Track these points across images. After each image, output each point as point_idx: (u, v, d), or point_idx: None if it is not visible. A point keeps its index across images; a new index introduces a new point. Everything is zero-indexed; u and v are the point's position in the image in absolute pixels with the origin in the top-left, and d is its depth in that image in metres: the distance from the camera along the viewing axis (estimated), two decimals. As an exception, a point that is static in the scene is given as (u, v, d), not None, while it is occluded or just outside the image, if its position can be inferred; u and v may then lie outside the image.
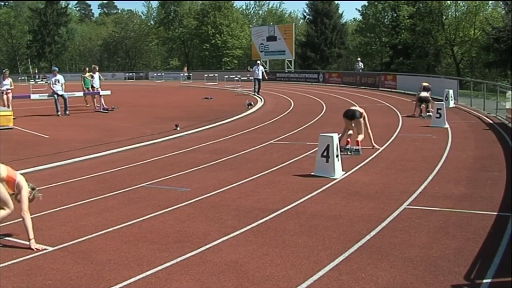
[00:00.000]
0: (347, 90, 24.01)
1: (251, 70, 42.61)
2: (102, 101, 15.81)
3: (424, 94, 12.62)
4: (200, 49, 52.69)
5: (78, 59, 63.89)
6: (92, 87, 16.46)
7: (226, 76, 33.54)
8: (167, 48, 57.82)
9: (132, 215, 4.88)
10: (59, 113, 14.35)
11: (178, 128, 11.14)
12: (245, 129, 11.25)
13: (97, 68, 16.77)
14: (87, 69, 17.31)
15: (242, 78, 29.73)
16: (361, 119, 8.02)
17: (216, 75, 35.49)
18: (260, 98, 19.74)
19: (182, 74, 41.05)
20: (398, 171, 6.59)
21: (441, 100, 14.32)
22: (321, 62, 42.16)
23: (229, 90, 25.98)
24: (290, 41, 36.25)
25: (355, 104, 15.88)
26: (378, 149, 8.14)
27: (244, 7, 58.32)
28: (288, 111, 15.11)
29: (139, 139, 9.85)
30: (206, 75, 35.32)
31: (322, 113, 14.36)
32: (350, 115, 8.04)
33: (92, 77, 16.52)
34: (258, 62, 23.37)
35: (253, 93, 21.63)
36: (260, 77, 22.09)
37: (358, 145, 7.78)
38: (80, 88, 17.04)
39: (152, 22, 59.86)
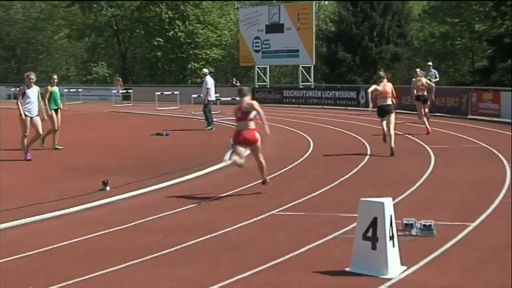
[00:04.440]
0: (410, 118, 24.34)
1: (237, 84, 43.04)
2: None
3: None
4: (148, 46, 53.49)
5: None
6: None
7: (195, 95, 33.80)
8: (87, 44, 58.65)
9: None
10: None
11: (108, 188, 11.23)
12: (229, 189, 11.36)
13: (30, 76, 16.62)
14: (54, 77, 18.04)
15: (223, 98, 30.24)
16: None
17: (176, 93, 35.83)
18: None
19: (115, 92, 41.50)
20: (502, 267, 6.67)
21: None
22: (362, 69, 42.62)
23: (199, 119, 26.15)
24: (307, 32, 37.09)
25: (427, 149, 16.27)
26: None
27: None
28: (304, 156, 15.26)
29: (35, 208, 9.90)
30: (158, 93, 35.72)
31: (365, 160, 14.58)
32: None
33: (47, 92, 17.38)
34: (206, 70, 24.25)
35: (208, 127, 22.71)
36: (213, 97, 23.31)
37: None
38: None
39: (57, -2, 60.45)
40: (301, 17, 37.19)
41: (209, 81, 23.19)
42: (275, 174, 12.98)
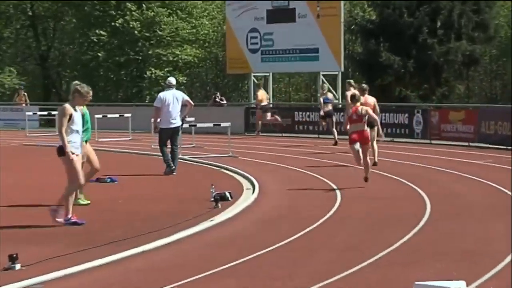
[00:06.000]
0: (488, 156, 24.28)
1: (222, 101, 43.10)
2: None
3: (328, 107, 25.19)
4: (83, 43, 53.83)
5: None
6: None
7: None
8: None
9: None
10: None
11: (18, 267, 11.16)
12: (210, 267, 11.28)
13: (89, 94, 15.88)
14: (90, 91, 17.29)
15: (200, 125, 30.33)
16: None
17: (127, 115, 36.56)
18: (252, 182, 20.30)
19: (31, 114, 41.64)
20: None
21: None
22: (419, 79, 42.62)
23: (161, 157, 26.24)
24: (333, 21, 37.40)
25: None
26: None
27: None
28: (326, 215, 15.52)
29: None
30: (98, 115, 35.92)
31: (422, 222, 14.72)
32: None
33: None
34: (171, 80, 24.72)
35: (168, 168, 22.87)
36: (173, 123, 23.22)
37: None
38: None
39: None
40: (323, -1, 37.26)
41: (163, 96, 23.09)
42: (283, 243, 13.01)
